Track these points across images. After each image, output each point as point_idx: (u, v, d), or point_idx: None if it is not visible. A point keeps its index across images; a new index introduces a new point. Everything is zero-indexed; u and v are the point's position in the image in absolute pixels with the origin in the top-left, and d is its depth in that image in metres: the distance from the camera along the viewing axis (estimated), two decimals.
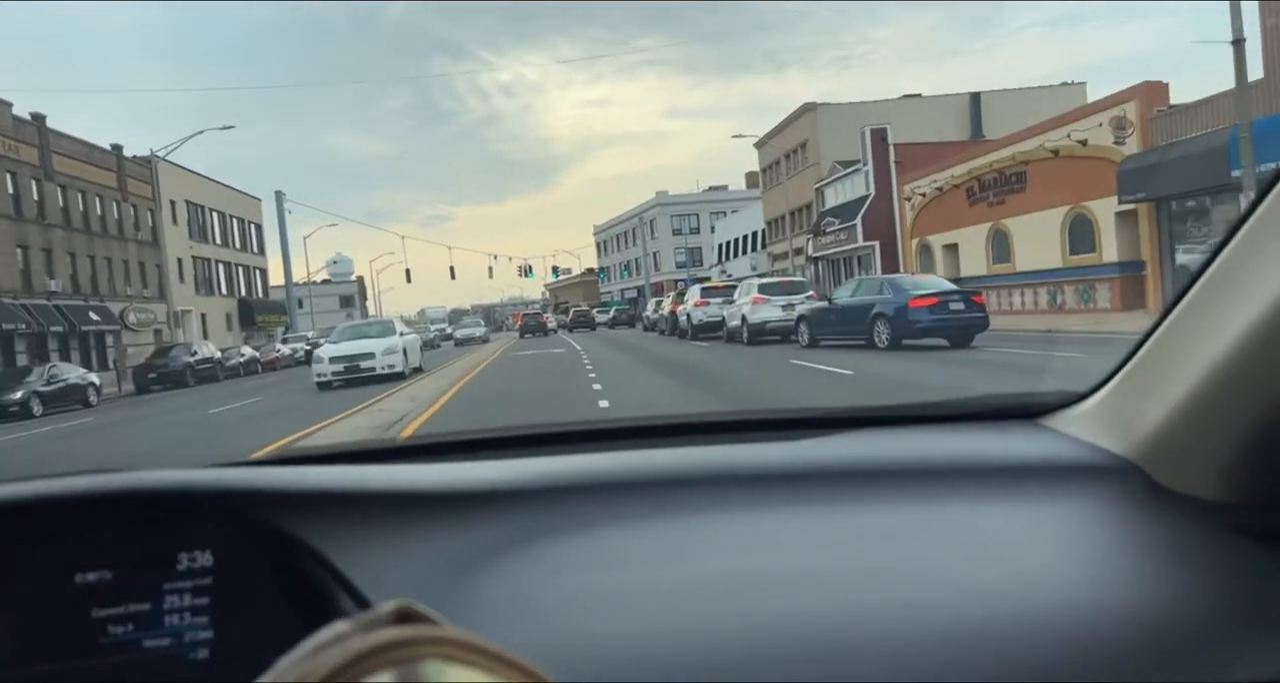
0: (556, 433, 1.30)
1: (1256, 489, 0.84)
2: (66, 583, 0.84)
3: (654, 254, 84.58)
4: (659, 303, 42.74)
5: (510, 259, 70.37)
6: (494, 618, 0.80)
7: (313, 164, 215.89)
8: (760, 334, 22.38)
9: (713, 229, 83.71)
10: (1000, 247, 29.64)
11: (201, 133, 38.90)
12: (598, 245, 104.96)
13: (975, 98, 45.81)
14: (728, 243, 66.57)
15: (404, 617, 0.44)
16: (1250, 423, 0.81)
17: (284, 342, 50.09)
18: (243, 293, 56.88)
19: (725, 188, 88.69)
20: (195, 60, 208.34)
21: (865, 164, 39.90)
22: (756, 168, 60.41)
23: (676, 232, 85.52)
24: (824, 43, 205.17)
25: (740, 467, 1.04)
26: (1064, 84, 46.09)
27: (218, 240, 54.03)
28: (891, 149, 39.00)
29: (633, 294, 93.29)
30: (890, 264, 36.44)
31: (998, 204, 29.57)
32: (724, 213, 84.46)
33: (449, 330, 75.99)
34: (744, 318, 23.22)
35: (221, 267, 54.23)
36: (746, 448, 1.12)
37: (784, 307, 22.00)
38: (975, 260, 30.88)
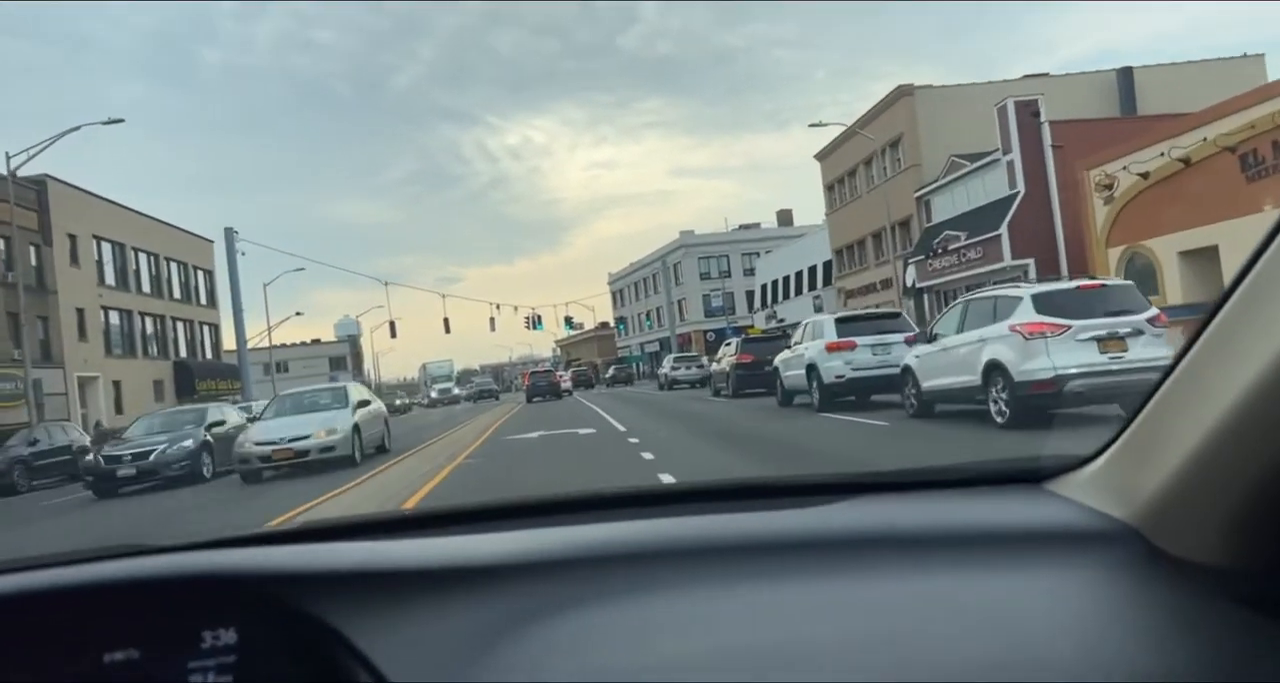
0: (566, 502, 1.28)
1: (1259, 556, 0.82)
2: (95, 662, 0.86)
3: (679, 302, 72.65)
4: (674, 359, 41.42)
5: (516, 309, 58.11)
6: None
7: (319, 232, 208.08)
8: (837, 395, 15.30)
9: (747, 272, 71.97)
10: None
11: (79, 128, 27.22)
12: (613, 295, 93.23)
13: (1126, 73, 34.19)
14: (773, 283, 54.64)
15: None
16: (1252, 488, 0.78)
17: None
18: (182, 353, 44.74)
19: (757, 225, 77.10)
20: (201, 135, 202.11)
21: (1007, 152, 28.03)
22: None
23: (704, 275, 73.68)
24: (824, 101, 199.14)
25: (748, 536, 1.02)
26: (1242, 56, 34.77)
27: (146, 288, 42.14)
28: (1047, 128, 27.19)
29: (654, 348, 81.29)
30: None
31: None
32: (757, 253, 72.94)
33: (456, 390, 68.55)
34: (812, 370, 15.66)
35: (150, 321, 42.20)
36: (754, 517, 1.10)
37: (876, 349, 14.98)
38: None
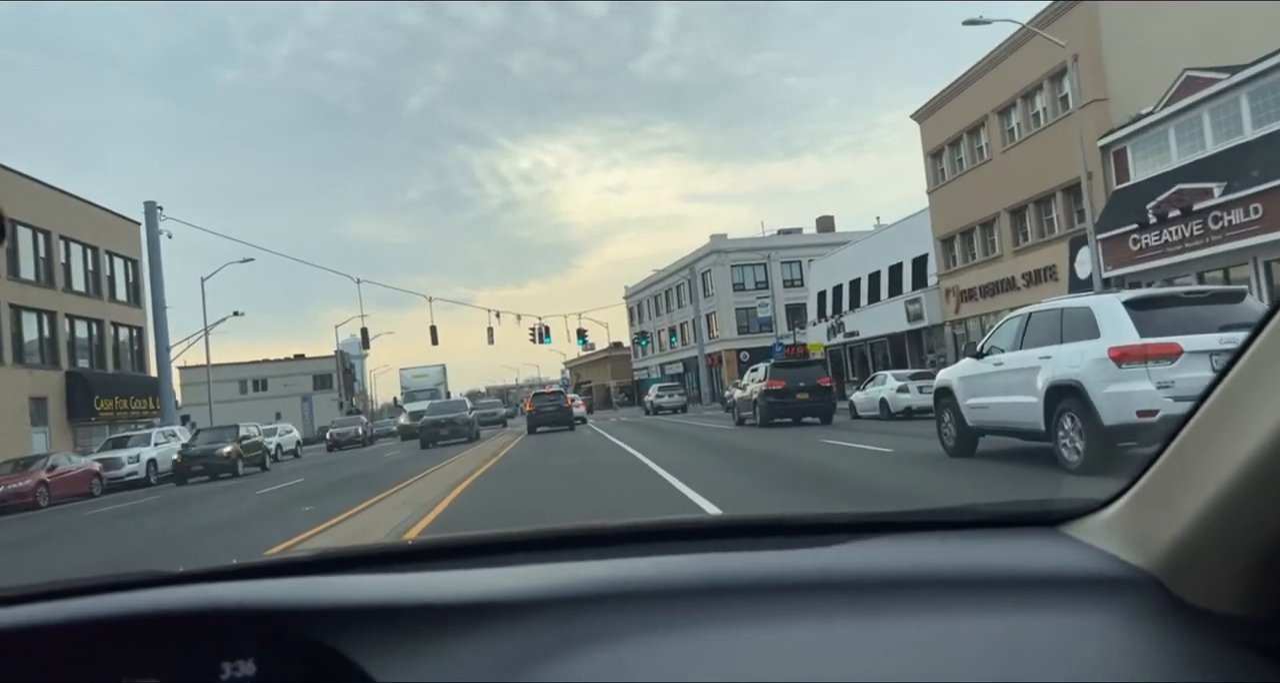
0: (583, 535, 1.25)
1: (1275, 605, 0.80)
2: None
3: (707, 316, 61.50)
4: (659, 388, 47.51)
5: (519, 318, 46.86)
6: None
7: (334, 251, 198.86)
8: (1128, 443, 7.99)
9: (788, 283, 60.89)
10: None
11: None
12: (630, 311, 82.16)
13: None
14: (834, 290, 43.53)
15: None
16: (1271, 536, 0.77)
17: (118, 445, 26.91)
18: (82, 363, 33.60)
19: (799, 230, 66.06)
20: (215, 152, 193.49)
21: None
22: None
23: (739, 286, 62.59)
24: (834, 129, 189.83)
25: (764, 576, 1.01)
26: None
27: (29, 275, 31.15)
28: None
29: (677, 369, 70.08)
30: None
31: None
32: (799, 262, 61.86)
33: (471, 410, 50.47)
34: (1070, 397, 8.52)
35: (32, 318, 31.18)
36: (770, 555, 1.08)
37: (1219, 359, 7.61)
38: None
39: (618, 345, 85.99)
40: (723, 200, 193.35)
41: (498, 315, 46.29)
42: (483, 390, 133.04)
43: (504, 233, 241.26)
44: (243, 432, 26.64)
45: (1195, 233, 19.05)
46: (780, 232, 65.80)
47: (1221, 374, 0.82)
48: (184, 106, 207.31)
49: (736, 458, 13.58)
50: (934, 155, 32.18)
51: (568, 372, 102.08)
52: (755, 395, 22.06)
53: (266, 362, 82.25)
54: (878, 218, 57.85)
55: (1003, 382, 9.59)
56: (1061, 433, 8.55)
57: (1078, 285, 23.58)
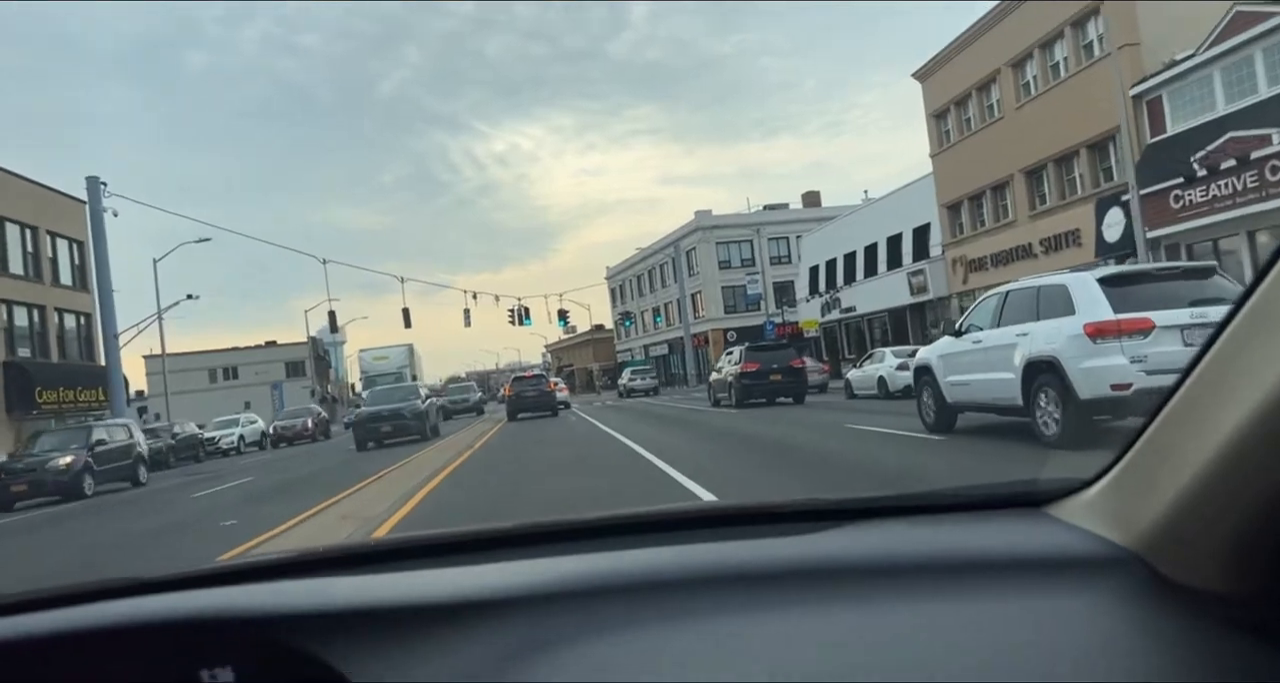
0: (563, 529, 1.24)
1: (1263, 583, 0.80)
2: None
3: (693, 295, 59.27)
4: (631, 371, 48.41)
5: (498, 299, 44.40)
6: None
7: (308, 239, 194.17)
8: (1105, 417, 8.42)
9: (774, 260, 58.73)
10: None
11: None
12: (612, 292, 79.79)
13: None
14: (828, 265, 41.41)
15: None
16: (1257, 514, 0.76)
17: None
18: (23, 352, 30.92)
19: (785, 206, 63.82)
20: (184, 141, 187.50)
21: None
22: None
23: (724, 264, 60.34)
24: (812, 110, 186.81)
25: (749, 565, 1.00)
26: None
27: None
28: None
29: (662, 351, 67.87)
30: None
31: None
32: (787, 238, 59.68)
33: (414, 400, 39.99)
34: (1048, 373, 8.68)
35: None
36: (756, 544, 1.07)
37: (1189, 333, 7.94)
38: None
39: (600, 328, 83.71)
40: (700, 183, 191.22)
41: (474, 297, 43.92)
42: (463, 375, 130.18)
43: (481, 217, 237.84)
44: (100, 435, 19.89)
45: (1250, 185, 16.98)
46: (766, 207, 63.53)
47: (1202, 351, 0.80)
48: (152, 92, 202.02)
49: (784, 456, 11.35)
50: (938, 116, 29.97)
51: (549, 355, 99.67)
52: (730, 378, 22.73)
53: (237, 349, 79.36)
54: (865, 192, 55.75)
55: (981, 359, 9.67)
56: (1039, 408, 8.73)
57: (1106, 250, 21.53)
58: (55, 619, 0.93)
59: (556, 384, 34.26)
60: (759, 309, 54.23)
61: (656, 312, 64.87)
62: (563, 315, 48.35)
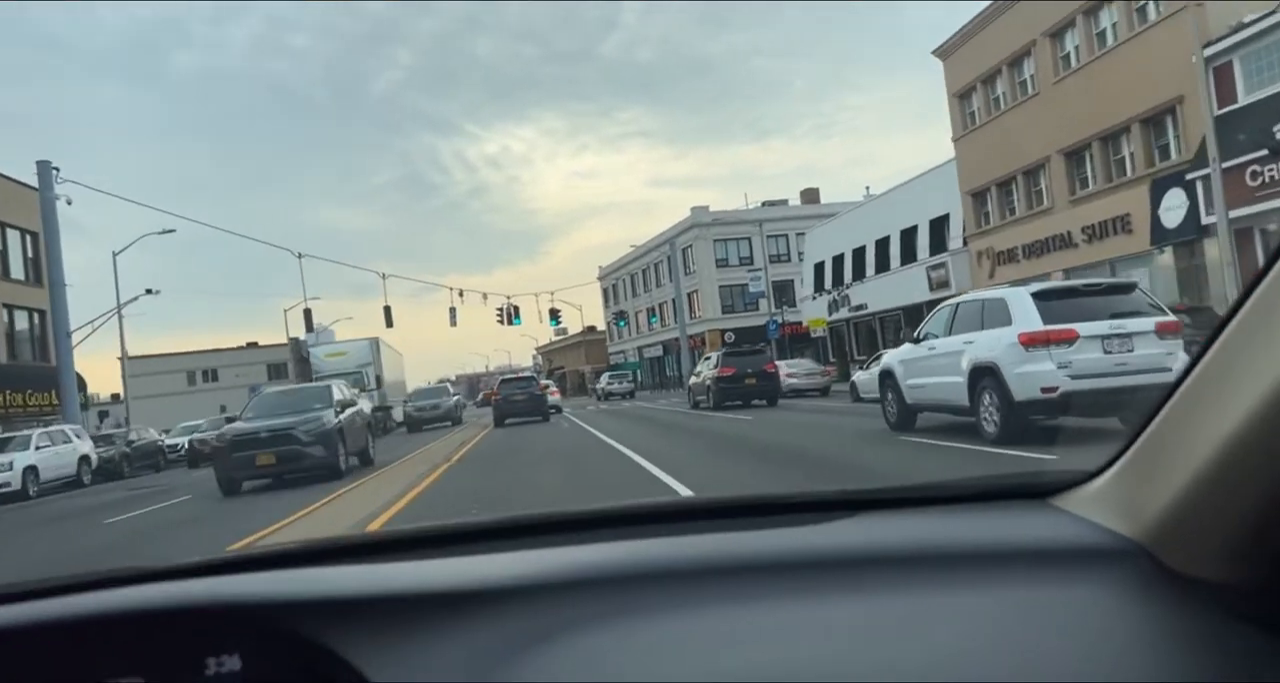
0: (565, 521, 1.23)
1: (1266, 573, 0.80)
2: None
3: (689, 294, 56.81)
4: (609, 376, 50.97)
5: (485, 297, 41.89)
6: None
7: (296, 240, 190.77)
8: (1040, 417, 9.53)
9: (774, 258, 56.36)
10: None
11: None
12: (605, 292, 77.35)
13: None
14: (834, 260, 39.06)
15: None
16: (1259, 505, 0.76)
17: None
18: None
19: (785, 202, 61.51)
20: (174, 140, 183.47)
21: None
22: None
23: (722, 262, 57.99)
24: (804, 111, 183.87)
25: (753, 555, 0.99)
26: None
27: None
28: None
29: (656, 352, 65.43)
30: None
31: None
32: (786, 235, 57.36)
33: (321, 405, 16.50)
34: (987, 377, 9.80)
35: None
36: (759, 535, 1.06)
37: (1110, 343, 9.09)
38: None
39: (592, 329, 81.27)
40: (692, 185, 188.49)
41: (460, 294, 41.24)
42: (452, 379, 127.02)
43: (471, 220, 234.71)
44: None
45: None
46: (765, 203, 61.20)
47: (1208, 343, 0.79)
48: (142, 91, 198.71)
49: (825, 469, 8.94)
50: (961, 96, 27.60)
51: (540, 357, 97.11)
52: (709, 381, 23.98)
53: (217, 351, 76.51)
54: (867, 188, 53.40)
55: (935, 364, 10.57)
56: (982, 408, 9.61)
57: (1163, 236, 19.17)
58: (50, 608, 0.90)
59: (547, 387, 31.73)
60: (757, 309, 51.90)
61: (651, 312, 62.41)
62: (554, 314, 45.83)
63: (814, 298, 39.93)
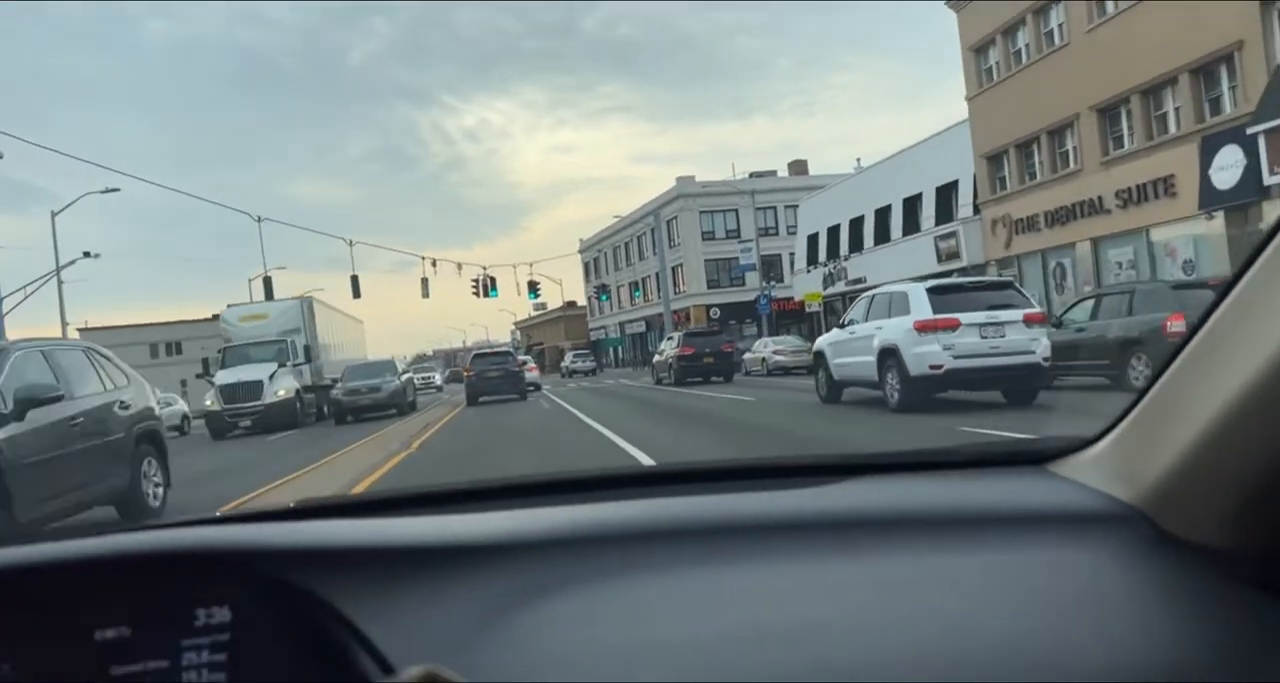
0: (560, 482, 1.25)
1: (1263, 538, 0.81)
2: (86, 640, 0.82)
3: (674, 268, 54.51)
4: (573, 354, 54.12)
5: (460, 267, 39.43)
6: (514, 675, 0.79)
7: (273, 213, 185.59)
8: (930, 390, 11.63)
9: (763, 231, 54.09)
10: None
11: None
12: (586, 266, 74.91)
13: None
14: (829, 232, 36.95)
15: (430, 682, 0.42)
16: (1258, 470, 0.77)
17: None
18: None
19: (773, 173, 59.17)
20: (148, 109, 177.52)
21: None
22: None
23: (708, 235, 55.73)
24: (786, 89, 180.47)
25: (748, 516, 0.99)
26: None
27: None
28: None
29: (639, 328, 63.17)
30: None
31: None
32: (774, 208, 55.12)
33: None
34: (890, 357, 11.98)
35: None
36: (754, 497, 1.06)
37: (986, 330, 11.32)
38: None
39: (571, 304, 78.87)
40: (673, 161, 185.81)
41: (434, 264, 38.75)
42: (429, 353, 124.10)
43: (450, 193, 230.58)
44: None
45: None
46: (753, 174, 58.82)
47: (1207, 313, 0.79)
48: (113, 59, 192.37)
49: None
50: (978, 50, 25.30)
51: (518, 332, 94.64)
52: (670, 359, 25.71)
53: (182, 323, 73.28)
54: (858, 160, 51.17)
55: (855, 345, 12.58)
56: (887, 383, 11.62)
57: (1215, 199, 17.09)
58: (29, 554, 0.86)
59: (525, 363, 29.47)
60: (744, 284, 49.74)
61: (635, 286, 60.18)
62: (533, 287, 43.42)
63: (808, 271, 37.79)
